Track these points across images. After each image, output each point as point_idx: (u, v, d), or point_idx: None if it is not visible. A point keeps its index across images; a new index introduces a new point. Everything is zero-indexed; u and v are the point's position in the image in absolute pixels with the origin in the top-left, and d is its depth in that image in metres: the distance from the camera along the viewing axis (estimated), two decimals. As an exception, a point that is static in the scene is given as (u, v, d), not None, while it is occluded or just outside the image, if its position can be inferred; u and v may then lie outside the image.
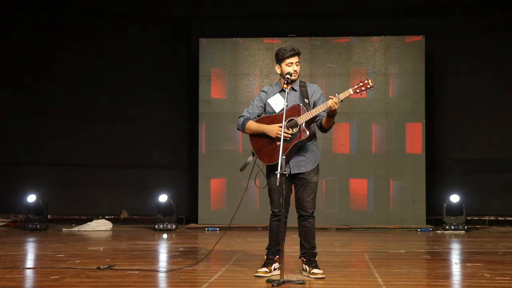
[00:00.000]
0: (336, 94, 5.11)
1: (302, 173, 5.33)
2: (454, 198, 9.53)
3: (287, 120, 5.22)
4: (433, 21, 10.26)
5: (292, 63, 5.32)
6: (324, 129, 5.35)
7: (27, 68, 10.62)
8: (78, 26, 10.64)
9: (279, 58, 5.36)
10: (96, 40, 10.63)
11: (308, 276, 5.25)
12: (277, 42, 10.02)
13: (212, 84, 10.14)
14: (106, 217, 10.21)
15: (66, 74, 10.58)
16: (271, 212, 5.41)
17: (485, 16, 10.20)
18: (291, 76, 5.28)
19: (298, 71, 5.34)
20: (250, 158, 5.40)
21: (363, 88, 5.19)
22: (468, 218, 9.65)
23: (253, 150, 5.39)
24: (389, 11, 10.35)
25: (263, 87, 5.73)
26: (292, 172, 5.32)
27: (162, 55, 10.61)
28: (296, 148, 5.28)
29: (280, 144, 5.05)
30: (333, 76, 10.00)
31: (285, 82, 5.27)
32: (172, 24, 10.71)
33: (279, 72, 5.41)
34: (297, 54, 5.33)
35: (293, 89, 5.40)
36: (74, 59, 10.60)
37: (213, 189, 10.04)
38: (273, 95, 5.42)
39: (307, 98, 5.34)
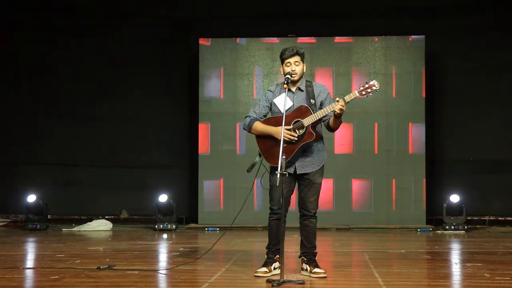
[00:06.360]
0: (342, 96, 5.10)
1: (307, 173, 5.34)
2: (454, 198, 9.53)
3: (293, 122, 5.22)
4: (433, 21, 10.25)
5: (290, 63, 5.33)
6: (331, 129, 5.36)
7: (27, 68, 10.63)
8: (78, 26, 10.63)
9: (281, 59, 5.40)
10: (96, 40, 10.63)
11: (309, 276, 5.25)
12: (277, 42, 10.02)
13: (212, 84, 10.13)
14: (106, 217, 10.20)
15: (66, 74, 10.58)
16: (270, 210, 5.40)
17: (485, 16, 10.19)
18: (291, 76, 5.29)
19: (297, 71, 5.33)
20: (257, 159, 5.40)
21: (369, 90, 5.18)
22: (468, 218, 9.64)
23: (259, 151, 5.39)
24: (389, 11, 10.34)
25: (269, 86, 5.74)
26: (298, 172, 5.32)
27: (162, 55, 10.60)
28: (302, 149, 5.28)
29: (285, 146, 5.07)
30: (333, 76, 10.00)
31: (285, 82, 5.27)
32: (172, 24, 10.70)
33: (282, 73, 5.43)
34: (295, 54, 5.32)
35: (299, 89, 5.40)
36: (74, 59, 10.59)
37: (213, 189, 10.04)
38: (279, 95, 5.42)
39: (313, 98, 5.34)
